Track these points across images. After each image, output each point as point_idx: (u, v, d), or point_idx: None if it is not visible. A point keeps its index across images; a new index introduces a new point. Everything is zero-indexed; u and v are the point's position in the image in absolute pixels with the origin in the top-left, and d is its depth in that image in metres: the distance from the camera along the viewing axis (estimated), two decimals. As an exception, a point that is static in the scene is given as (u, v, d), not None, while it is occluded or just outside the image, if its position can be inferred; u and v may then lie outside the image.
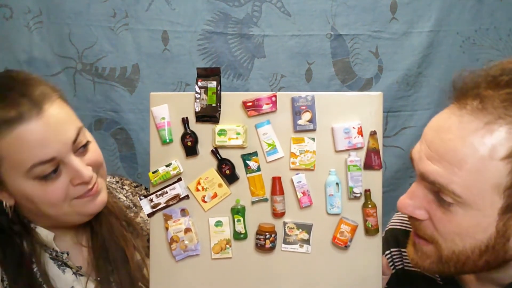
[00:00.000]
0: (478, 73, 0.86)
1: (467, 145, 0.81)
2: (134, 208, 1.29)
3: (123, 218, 1.23)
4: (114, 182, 1.34)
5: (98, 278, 1.12)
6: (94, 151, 1.08)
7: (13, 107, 0.94)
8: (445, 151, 0.84)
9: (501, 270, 0.92)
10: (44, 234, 1.07)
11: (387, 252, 1.23)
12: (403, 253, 1.23)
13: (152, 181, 1.09)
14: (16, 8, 1.97)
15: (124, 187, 1.34)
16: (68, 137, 0.99)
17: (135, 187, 1.37)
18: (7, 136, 0.94)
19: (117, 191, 1.30)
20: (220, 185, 1.10)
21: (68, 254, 1.09)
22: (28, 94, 0.97)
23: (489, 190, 0.81)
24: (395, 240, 1.19)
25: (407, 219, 1.25)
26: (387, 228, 1.26)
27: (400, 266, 1.22)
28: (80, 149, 1.03)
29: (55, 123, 0.98)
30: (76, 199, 1.04)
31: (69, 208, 1.04)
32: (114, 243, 1.16)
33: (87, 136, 1.08)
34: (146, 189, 1.36)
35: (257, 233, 1.10)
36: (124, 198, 1.30)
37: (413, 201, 0.93)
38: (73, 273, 1.10)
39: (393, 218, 1.29)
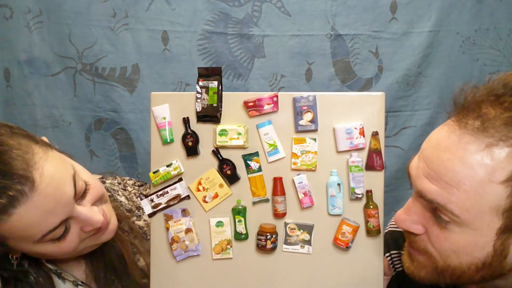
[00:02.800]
0: (480, 89, 0.83)
1: (466, 166, 0.79)
2: (137, 211, 1.27)
3: (124, 225, 1.21)
4: (116, 184, 1.31)
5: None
6: (94, 188, 1.02)
7: (4, 190, 0.85)
8: (443, 171, 0.82)
9: (504, 277, 0.91)
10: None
11: (387, 254, 1.22)
12: (392, 255, 1.23)
13: (153, 181, 1.09)
14: (16, 8, 1.97)
15: (127, 188, 1.32)
16: (68, 196, 0.93)
17: (139, 186, 1.34)
18: (6, 222, 0.87)
19: (118, 194, 1.28)
20: (221, 186, 1.10)
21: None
22: (9, 171, 0.86)
23: (487, 211, 0.80)
24: (395, 242, 1.19)
25: None
26: (386, 230, 1.26)
27: (401, 269, 1.22)
28: (82, 195, 0.99)
29: (52, 189, 0.90)
30: (90, 237, 1.02)
31: (83, 245, 1.02)
32: (114, 252, 1.14)
33: (82, 175, 1.01)
34: (150, 188, 1.34)
35: (258, 234, 1.10)
36: (126, 202, 1.28)
37: (410, 216, 0.92)
38: (74, 285, 1.09)
39: (392, 220, 1.29)
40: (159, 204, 1.10)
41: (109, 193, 1.25)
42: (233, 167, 1.09)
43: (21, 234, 0.91)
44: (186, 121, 1.08)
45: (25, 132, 0.96)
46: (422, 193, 0.86)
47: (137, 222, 1.25)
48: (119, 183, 1.32)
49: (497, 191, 0.78)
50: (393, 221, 1.28)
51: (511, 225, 0.80)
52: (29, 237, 0.91)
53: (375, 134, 1.08)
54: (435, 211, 0.86)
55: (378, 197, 1.09)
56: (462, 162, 0.79)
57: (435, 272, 0.91)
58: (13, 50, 2.00)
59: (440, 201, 0.82)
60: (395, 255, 1.23)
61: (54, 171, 0.92)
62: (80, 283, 1.08)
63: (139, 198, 1.28)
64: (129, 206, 1.27)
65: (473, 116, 0.81)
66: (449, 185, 0.81)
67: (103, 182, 1.26)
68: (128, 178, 1.37)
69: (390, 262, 1.23)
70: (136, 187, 1.33)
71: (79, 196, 0.98)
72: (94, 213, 0.99)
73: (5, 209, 0.85)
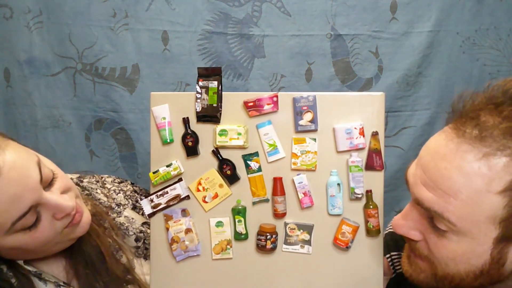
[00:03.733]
0: (480, 96, 0.83)
1: (463, 175, 0.79)
2: (116, 208, 1.26)
3: (104, 222, 1.20)
4: (94, 182, 1.30)
5: (81, 286, 1.10)
6: (61, 178, 1.02)
7: None
8: (440, 180, 0.82)
9: (503, 282, 0.91)
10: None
11: (387, 256, 1.22)
12: (393, 257, 1.23)
13: (152, 182, 1.09)
14: (16, 8, 1.97)
15: (105, 185, 1.30)
16: (34, 180, 0.93)
17: (119, 183, 1.33)
18: None
19: (97, 192, 1.26)
20: (221, 186, 1.10)
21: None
22: None
23: (484, 220, 0.79)
24: (395, 243, 1.19)
25: None
26: (386, 232, 1.26)
27: (401, 270, 1.22)
28: (50, 182, 0.99)
29: (15, 174, 0.91)
30: (65, 228, 1.01)
31: (60, 238, 1.01)
32: (92, 247, 1.13)
33: (48, 164, 1.02)
34: (132, 184, 1.34)
35: (258, 234, 1.10)
36: (105, 199, 1.26)
37: (407, 222, 0.92)
38: (55, 286, 1.07)
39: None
40: (159, 204, 1.10)
41: (87, 191, 1.24)
42: (233, 167, 1.09)
43: None
44: (186, 121, 1.09)
45: None
46: (419, 201, 0.86)
47: (117, 219, 1.23)
48: (97, 181, 1.31)
49: (494, 201, 0.78)
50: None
51: (508, 234, 0.80)
52: None
53: (375, 134, 1.08)
54: (432, 219, 0.86)
55: (378, 197, 1.10)
56: (459, 171, 0.79)
57: (434, 278, 0.91)
58: (13, 50, 1.99)
59: (437, 210, 0.82)
60: (395, 257, 1.22)
61: (16, 156, 0.93)
62: (62, 283, 1.07)
63: (119, 195, 1.27)
64: (108, 203, 1.25)
65: (471, 124, 0.80)
66: (446, 194, 0.81)
67: (81, 181, 1.25)
68: (107, 175, 1.35)
69: (390, 263, 1.23)
70: (116, 184, 1.32)
71: (47, 183, 0.98)
72: (63, 199, 0.99)
73: None
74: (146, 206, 1.11)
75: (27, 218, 0.93)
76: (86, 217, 1.06)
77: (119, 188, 1.31)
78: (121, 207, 1.26)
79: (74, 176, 1.26)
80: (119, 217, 1.25)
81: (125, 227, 1.23)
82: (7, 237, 0.93)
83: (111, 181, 1.33)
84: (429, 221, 0.87)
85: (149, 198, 1.10)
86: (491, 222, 0.79)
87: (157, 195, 1.10)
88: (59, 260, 1.11)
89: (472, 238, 0.82)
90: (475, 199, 0.79)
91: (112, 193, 1.29)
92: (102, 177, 1.33)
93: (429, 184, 0.83)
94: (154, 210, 1.11)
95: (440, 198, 0.82)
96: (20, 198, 0.91)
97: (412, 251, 0.95)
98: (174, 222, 1.10)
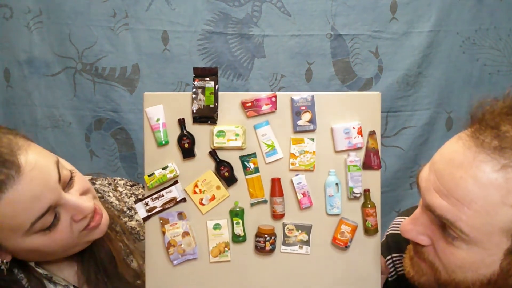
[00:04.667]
0: (500, 104, 0.81)
1: (479, 186, 0.77)
2: (128, 211, 1.26)
3: (116, 225, 1.20)
4: (106, 185, 1.30)
5: None
6: (79, 179, 1.04)
7: None
8: (455, 188, 0.80)
9: None
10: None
11: (389, 257, 1.22)
12: (394, 259, 1.23)
13: (148, 185, 1.08)
14: (16, 8, 1.97)
15: (117, 188, 1.30)
16: (53, 180, 0.94)
17: (131, 186, 1.33)
18: None
19: (109, 195, 1.26)
20: (218, 187, 1.09)
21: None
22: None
23: (497, 232, 0.78)
24: (396, 245, 1.18)
25: (398, 223, 1.25)
26: (387, 233, 1.26)
27: (402, 272, 1.22)
28: (68, 183, 1.00)
29: (37, 173, 0.92)
30: (83, 230, 1.01)
31: (78, 240, 1.02)
32: (104, 252, 1.13)
33: (66, 165, 1.03)
34: (143, 187, 1.33)
35: (257, 236, 1.10)
36: (117, 202, 1.26)
37: (416, 227, 0.90)
38: None
39: (393, 222, 1.28)
40: (154, 207, 1.09)
41: (99, 194, 1.24)
42: (230, 168, 1.08)
43: (10, 224, 0.91)
44: (181, 122, 1.08)
45: (6, 128, 0.99)
46: (431, 208, 0.84)
47: (129, 223, 1.23)
48: (110, 184, 1.31)
49: (509, 213, 0.76)
50: (394, 224, 1.28)
51: None
52: (18, 226, 0.91)
53: (372, 134, 1.08)
54: (443, 225, 0.84)
55: (375, 196, 1.10)
56: (475, 181, 0.77)
57: (436, 283, 0.90)
58: (13, 50, 2.00)
59: (450, 218, 0.81)
60: (397, 258, 1.22)
61: (37, 156, 0.95)
62: (71, 287, 1.07)
63: (131, 198, 1.27)
64: (120, 207, 1.25)
65: (491, 134, 0.78)
66: (460, 202, 0.79)
67: (93, 183, 1.25)
68: (119, 178, 1.35)
69: (391, 265, 1.22)
70: (128, 187, 1.32)
71: (65, 183, 0.99)
72: (83, 200, 0.99)
73: None
74: (141, 209, 1.09)
75: (46, 218, 0.93)
76: (105, 218, 1.06)
77: (131, 192, 1.31)
78: (133, 211, 1.26)
79: (87, 178, 1.24)
80: (131, 221, 1.25)
81: (136, 231, 1.23)
82: (26, 239, 0.94)
83: (123, 184, 1.33)
84: (439, 228, 0.86)
85: (143, 201, 1.09)
86: (504, 234, 0.78)
87: (152, 198, 1.08)
88: (71, 265, 1.11)
89: (483, 248, 0.80)
90: (489, 210, 0.77)
91: (123, 197, 1.29)
92: (114, 180, 1.33)
93: (442, 192, 0.82)
94: (149, 213, 1.09)
95: (453, 207, 0.80)
96: (40, 197, 0.92)
97: (416, 253, 0.94)
98: (171, 226, 1.09)
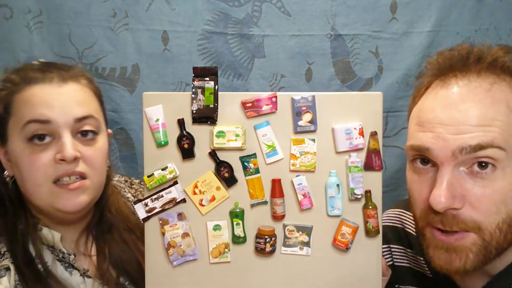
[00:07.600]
0: (456, 55, 0.95)
1: (487, 105, 0.87)
2: None
3: (131, 221, 1.22)
4: (123, 181, 1.33)
5: (105, 283, 1.12)
6: (95, 150, 1.08)
7: (44, 72, 1.04)
8: (472, 117, 0.87)
9: (500, 258, 0.92)
10: (50, 235, 1.06)
11: (386, 246, 1.24)
12: (392, 249, 1.25)
13: (147, 186, 1.07)
14: (16, 8, 1.97)
15: (133, 186, 1.34)
16: (73, 113, 1.02)
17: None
18: (24, 93, 1.01)
19: (125, 191, 1.29)
20: (218, 188, 1.09)
21: (75, 256, 1.09)
22: (61, 68, 1.07)
23: None
24: (384, 237, 1.18)
25: (395, 215, 1.26)
26: (384, 224, 1.26)
27: (391, 263, 1.24)
28: (80, 134, 1.05)
29: (69, 96, 1.03)
30: (57, 186, 1.02)
31: (48, 194, 1.02)
32: (121, 250, 1.16)
33: (99, 128, 1.10)
34: None
35: (257, 237, 1.10)
36: (133, 198, 1.29)
37: (446, 192, 0.88)
38: (80, 275, 1.09)
39: (386, 214, 1.30)
40: (154, 208, 1.09)
41: (116, 189, 1.27)
42: (230, 169, 1.08)
43: (20, 113, 1.01)
44: (181, 122, 1.07)
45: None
46: (462, 147, 0.87)
47: None
48: (126, 181, 1.35)
49: None
50: (387, 215, 1.29)
51: None
52: (21, 118, 1.00)
53: (373, 134, 1.08)
54: (477, 164, 0.88)
55: (377, 197, 1.09)
56: (483, 103, 0.87)
57: (485, 249, 0.89)
58: (13, 50, 1.99)
59: (487, 140, 0.86)
60: (385, 249, 1.24)
61: (83, 95, 1.08)
62: (88, 274, 1.11)
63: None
64: None
65: (473, 64, 0.91)
66: (483, 126, 0.86)
67: (110, 179, 1.27)
68: (134, 178, 1.40)
69: (389, 255, 1.23)
70: (142, 186, 1.33)
71: (79, 128, 1.05)
72: (73, 148, 1.02)
73: (34, 80, 1.03)
74: (140, 210, 1.09)
75: (39, 126, 1.00)
76: (82, 199, 1.06)
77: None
78: None
79: None
80: None
81: None
82: (18, 140, 1.01)
83: (138, 183, 1.37)
84: (469, 174, 0.89)
85: (143, 202, 1.08)
86: None
87: (151, 199, 1.08)
88: (87, 257, 1.15)
89: None
90: (507, 120, 0.87)
91: (138, 194, 1.32)
92: (130, 178, 1.38)
93: (463, 129, 0.87)
94: (149, 214, 1.09)
95: (481, 132, 0.86)
96: (51, 107, 1.01)
97: (447, 232, 0.92)
98: (171, 227, 1.09)
